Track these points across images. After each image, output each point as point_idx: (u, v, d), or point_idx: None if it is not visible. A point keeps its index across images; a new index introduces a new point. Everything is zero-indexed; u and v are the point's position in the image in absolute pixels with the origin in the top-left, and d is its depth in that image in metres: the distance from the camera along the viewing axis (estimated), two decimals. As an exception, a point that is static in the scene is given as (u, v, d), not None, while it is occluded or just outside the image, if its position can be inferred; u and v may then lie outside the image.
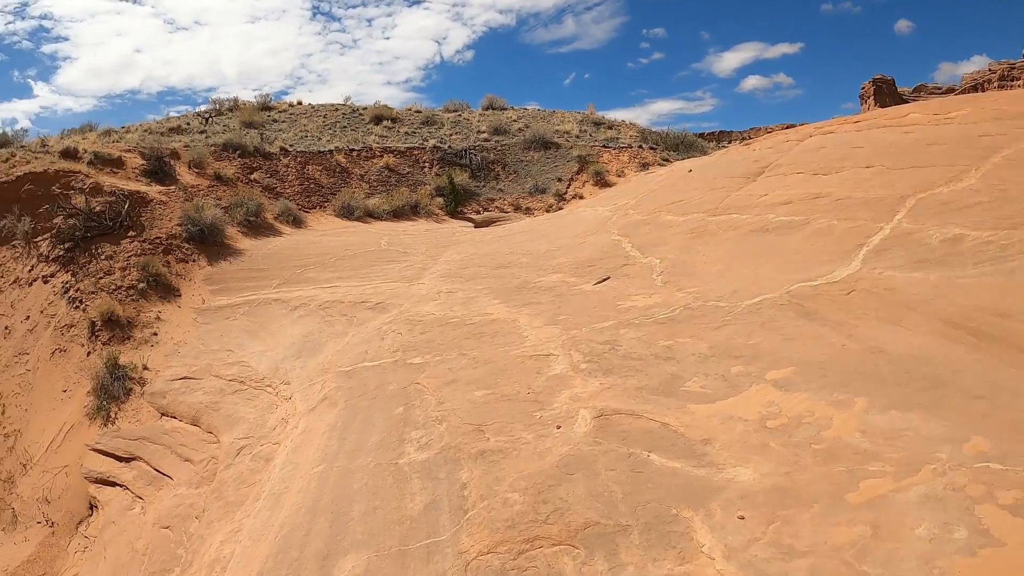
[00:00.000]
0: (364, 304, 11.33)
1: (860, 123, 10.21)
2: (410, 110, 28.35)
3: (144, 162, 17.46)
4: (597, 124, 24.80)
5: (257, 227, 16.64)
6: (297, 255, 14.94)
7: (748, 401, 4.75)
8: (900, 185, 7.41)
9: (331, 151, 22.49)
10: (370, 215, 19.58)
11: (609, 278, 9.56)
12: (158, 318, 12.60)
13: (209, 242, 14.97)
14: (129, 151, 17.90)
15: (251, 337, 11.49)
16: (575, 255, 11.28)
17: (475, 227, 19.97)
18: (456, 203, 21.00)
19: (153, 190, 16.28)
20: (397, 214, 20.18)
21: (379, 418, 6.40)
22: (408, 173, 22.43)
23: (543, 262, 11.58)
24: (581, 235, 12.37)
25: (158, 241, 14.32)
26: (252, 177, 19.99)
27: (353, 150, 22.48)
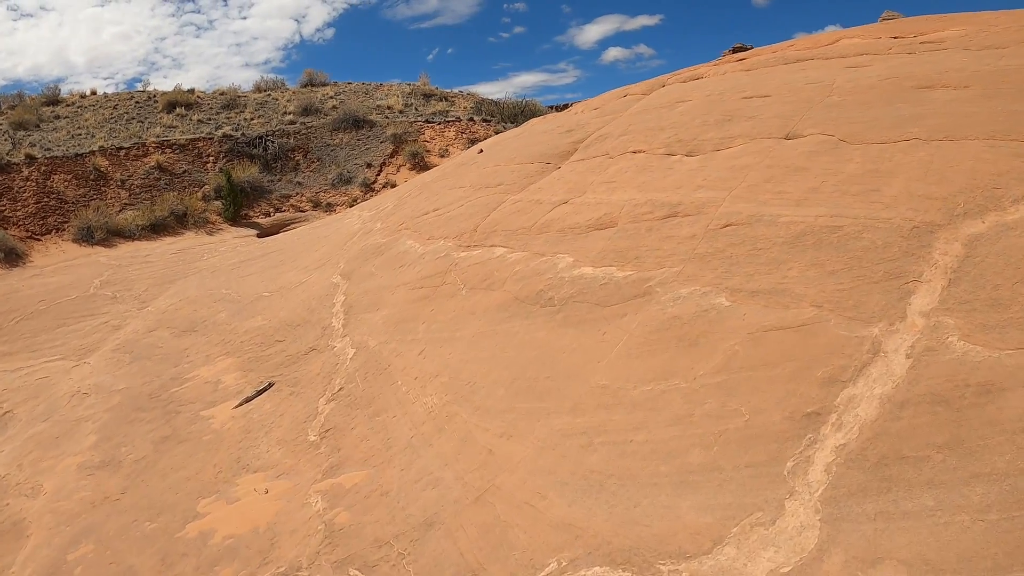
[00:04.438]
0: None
1: (749, 60, 5.37)
2: (216, 92, 22.09)
3: None
4: (428, 96, 19.03)
5: (-54, 276, 10.95)
6: (-27, 315, 9.81)
7: None
8: (922, 193, 2.43)
9: (90, 153, 16.27)
10: (118, 235, 13.89)
11: (271, 386, 4.43)
12: None
13: None
14: None
15: None
16: (279, 310, 6.10)
17: (259, 236, 14.74)
18: (237, 206, 15.27)
19: None
20: (157, 228, 14.71)
21: None
22: (185, 172, 16.57)
23: (238, 322, 6.44)
24: (310, 267, 7.03)
25: None
26: (-26, 200, 13.59)
27: (121, 148, 16.48)
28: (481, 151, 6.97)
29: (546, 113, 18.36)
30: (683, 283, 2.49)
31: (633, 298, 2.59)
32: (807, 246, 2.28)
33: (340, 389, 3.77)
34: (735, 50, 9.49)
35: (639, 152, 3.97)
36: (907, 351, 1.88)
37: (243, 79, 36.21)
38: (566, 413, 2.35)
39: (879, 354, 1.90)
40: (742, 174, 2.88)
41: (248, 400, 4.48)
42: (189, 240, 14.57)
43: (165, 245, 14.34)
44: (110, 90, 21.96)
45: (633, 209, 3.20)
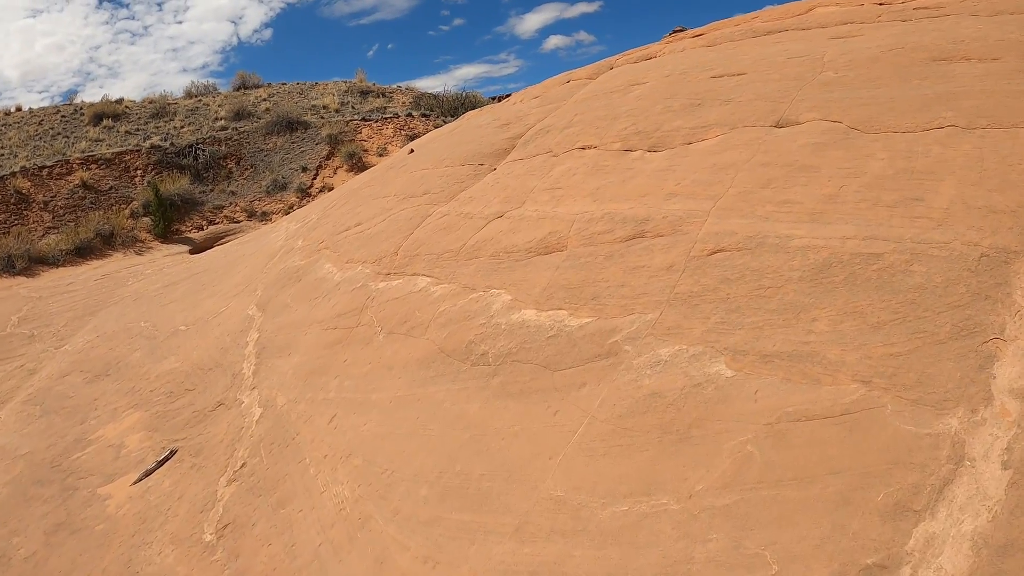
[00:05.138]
0: None
1: (709, 35, 4.74)
2: (145, 101, 20.86)
3: None
4: (365, 93, 17.94)
5: None
6: None
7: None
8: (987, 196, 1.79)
9: (11, 175, 15.18)
10: (41, 262, 12.81)
11: (174, 454, 3.59)
12: None
13: None
14: None
15: None
16: (192, 350, 5.35)
17: (192, 252, 13.89)
18: (167, 222, 14.33)
19: None
20: (83, 252, 13.34)
21: None
22: (112, 188, 15.56)
23: (151, 364, 5.71)
24: (229, 294, 6.23)
25: None
26: None
27: (44, 167, 15.05)
28: (412, 151, 6.18)
29: (488, 104, 17.59)
30: (662, 339, 1.81)
31: (594, 359, 1.90)
32: (836, 284, 1.63)
33: (243, 465, 3.01)
34: (675, 32, 8.90)
35: (589, 148, 3.27)
36: (1002, 457, 1.24)
37: (180, 85, 34.26)
38: (509, 537, 1.65)
39: (963, 463, 1.25)
40: (728, 176, 2.22)
41: (148, 473, 3.71)
42: (116, 263, 13.57)
43: (90, 270, 13.32)
44: (45, 103, 20.41)
45: (586, 226, 2.50)
